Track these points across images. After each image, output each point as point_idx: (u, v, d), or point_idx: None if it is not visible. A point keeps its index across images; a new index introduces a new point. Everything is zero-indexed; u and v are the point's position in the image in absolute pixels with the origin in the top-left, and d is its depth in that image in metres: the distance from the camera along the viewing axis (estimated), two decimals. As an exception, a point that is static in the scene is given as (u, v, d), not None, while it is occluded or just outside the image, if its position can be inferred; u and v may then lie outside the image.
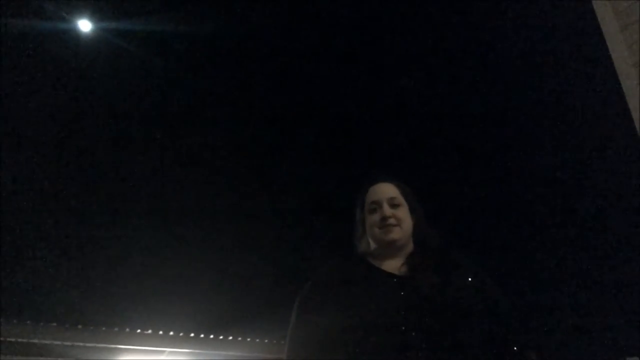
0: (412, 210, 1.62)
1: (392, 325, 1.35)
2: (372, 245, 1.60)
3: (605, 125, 5.51)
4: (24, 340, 5.48)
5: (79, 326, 5.92)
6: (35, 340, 5.56)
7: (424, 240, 1.59)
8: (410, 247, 1.58)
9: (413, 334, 1.34)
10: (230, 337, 7.00)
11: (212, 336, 6.84)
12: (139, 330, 6.30)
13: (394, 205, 1.59)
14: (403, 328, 1.34)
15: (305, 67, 6.72)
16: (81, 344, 5.81)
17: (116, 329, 6.16)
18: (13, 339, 5.39)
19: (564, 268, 7.13)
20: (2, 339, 5.27)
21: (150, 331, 6.36)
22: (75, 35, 6.11)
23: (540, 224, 7.30)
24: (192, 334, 6.67)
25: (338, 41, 6.44)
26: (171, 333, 6.51)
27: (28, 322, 5.60)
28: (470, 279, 1.48)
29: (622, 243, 6.37)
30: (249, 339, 7.12)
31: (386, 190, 1.62)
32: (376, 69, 6.71)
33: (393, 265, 1.52)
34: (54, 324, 5.76)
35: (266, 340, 7.18)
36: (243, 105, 6.99)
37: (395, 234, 1.54)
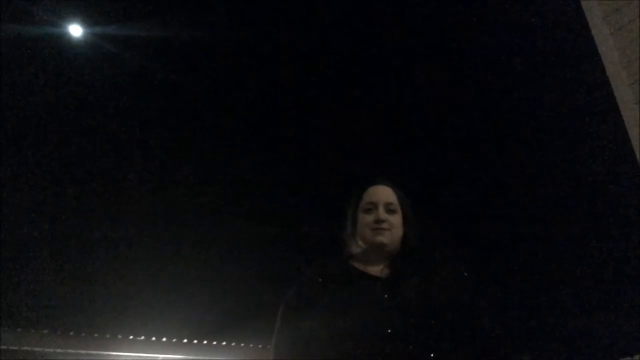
0: (405, 220, 1.62)
1: (377, 328, 1.36)
2: (360, 245, 1.60)
3: (596, 126, 5.54)
4: (15, 347, 5.42)
5: (71, 333, 5.86)
6: (27, 348, 5.51)
7: (410, 249, 1.59)
8: (396, 253, 1.58)
9: (398, 336, 1.34)
10: (224, 343, 6.95)
11: (205, 342, 6.80)
12: (131, 337, 6.24)
13: (390, 210, 1.59)
14: (388, 330, 1.35)
15: (301, 67, 6.74)
16: (73, 351, 5.75)
17: (108, 336, 6.10)
18: (4, 347, 5.32)
19: (559, 269, 7.15)
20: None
21: (142, 337, 6.31)
22: (67, 40, 6.10)
23: (533, 224, 7.33)
24: (185, 340, 6.63)
25: (336, 40, 6.47)
26: (164, 339, 6.46)
27: (18, 329, 5.54)
28: (453, 280, 1.49)
29: (620, 243, 6.38)
30: (242, 344, 7.08)
31: (385, 194, 1.63)
32: (373, 68, 6.75)
33: (377, 268, 1.53)
34: (45, 331, 5.70)
35: (260, 346, 7.15)
36: (236, 107, 6.99)
37: (386, 238, 1.55)
